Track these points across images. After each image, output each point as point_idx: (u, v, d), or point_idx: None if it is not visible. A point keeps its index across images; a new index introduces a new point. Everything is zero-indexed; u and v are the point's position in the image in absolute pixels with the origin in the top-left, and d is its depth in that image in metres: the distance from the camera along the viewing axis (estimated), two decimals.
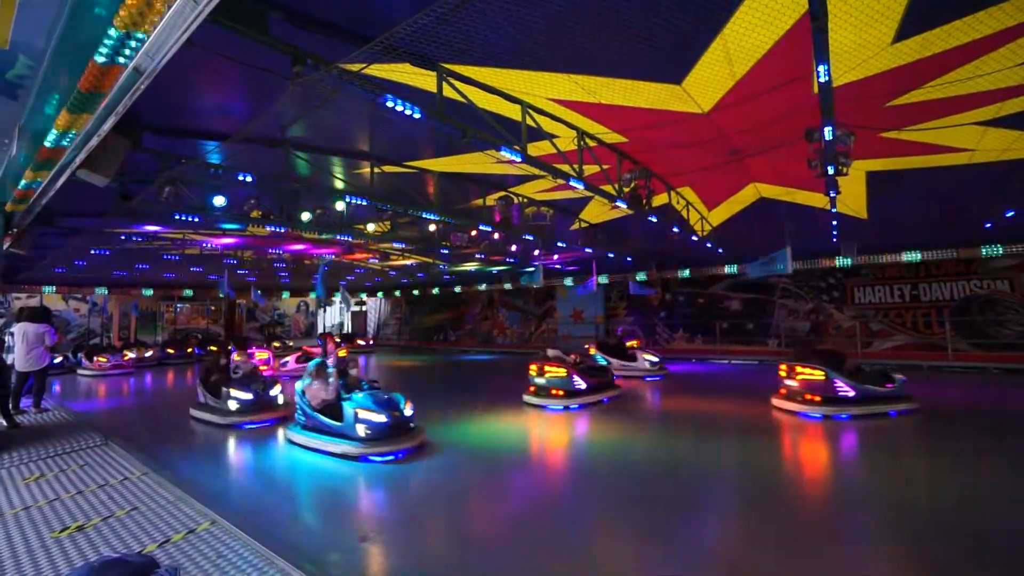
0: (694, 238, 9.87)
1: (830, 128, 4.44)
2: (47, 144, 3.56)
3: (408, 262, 15.62)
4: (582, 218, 10.50)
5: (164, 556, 3.00)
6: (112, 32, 2.23)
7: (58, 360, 14.28)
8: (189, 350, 18.14)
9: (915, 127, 5.44)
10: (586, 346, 12.45)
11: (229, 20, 2.85)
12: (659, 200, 8.15)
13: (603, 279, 18.08)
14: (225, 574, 2.78)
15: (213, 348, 19.10)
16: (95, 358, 14.08)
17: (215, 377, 7.76)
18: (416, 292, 25.33)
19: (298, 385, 6.14)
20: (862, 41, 3.86)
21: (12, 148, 3.98)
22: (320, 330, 27.71)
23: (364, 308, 29.62)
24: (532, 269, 14.52)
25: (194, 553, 3.03)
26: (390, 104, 3.99)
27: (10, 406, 6.55)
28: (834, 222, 8.76)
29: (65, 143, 3.55)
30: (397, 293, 26.95)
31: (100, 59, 2.46)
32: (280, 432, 6.73)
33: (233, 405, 7.23)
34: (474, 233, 10.29)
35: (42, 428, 6.47)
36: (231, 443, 6.52)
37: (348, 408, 5.39)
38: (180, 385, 12.64)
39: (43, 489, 4.25)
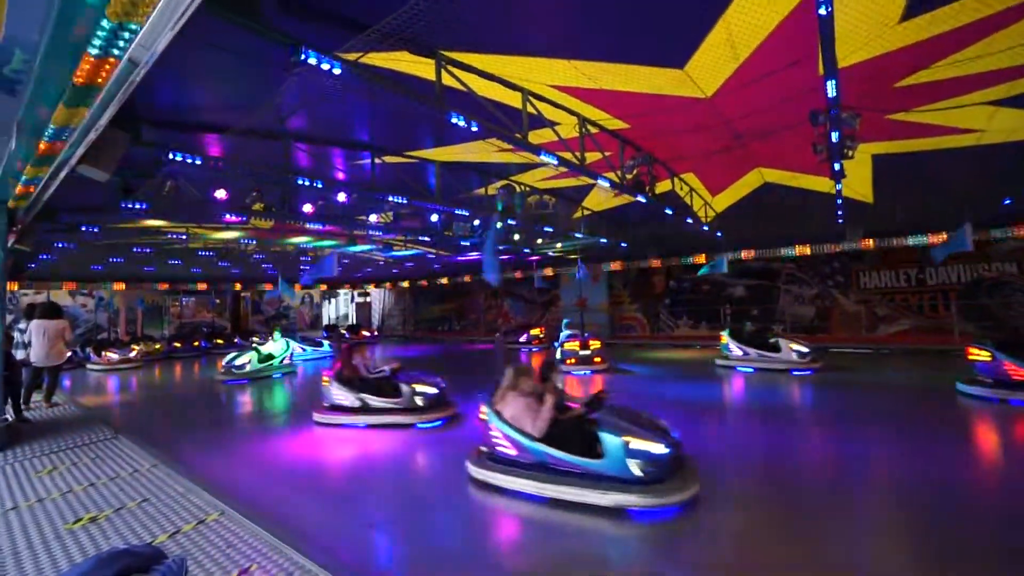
0: (689, 220, 9.80)
1: (833, 82, 4.18)
2: (45, 139, 3.54)
3: (411, 252, 15.62)
4: (585, 206, 10.44)
5: (175, 546, 3.05)
6: (105, 23, 2.20)
7: (67, 355, 14.44)
8: (196, 343, 18.28)
9: (923, 108, 5.35)
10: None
11: (224, 9, 2.81)
12: (662, 187, 8.09)
13: (603, 267, 18.05)
14: (235, 563, 2.82)
15: (219, 340, 19.27)
16: (103, 353, 14.22)
17: (347, 373, 6.89)
18: (422, 282, 25.33)
19: (487, 409, 4.35)
20: (868, 20, 3.78)
21: (11, 144, 3.97)
22: (325, 321, 27.90)
23: (368, 299, 29.71)
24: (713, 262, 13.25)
25: (204, 543, 3.07)
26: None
27: (21, 401, 6.63)
28: (839, 200, 8.66)
29: (64, 138, 3.54)
30: (405, 284, 26.98)
31: (94, 51, 2.44)
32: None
33: (420, 401, 6.50)
34: (476, 222, 10.26)
35: (54, 422, 6.55)
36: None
37: (611, 437, 3.71)
38: (190, 378, 12.76)
39: (56, 482, 4.32)
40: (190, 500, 3.80)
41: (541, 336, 17.32)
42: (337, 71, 3.53)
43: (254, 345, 12.28)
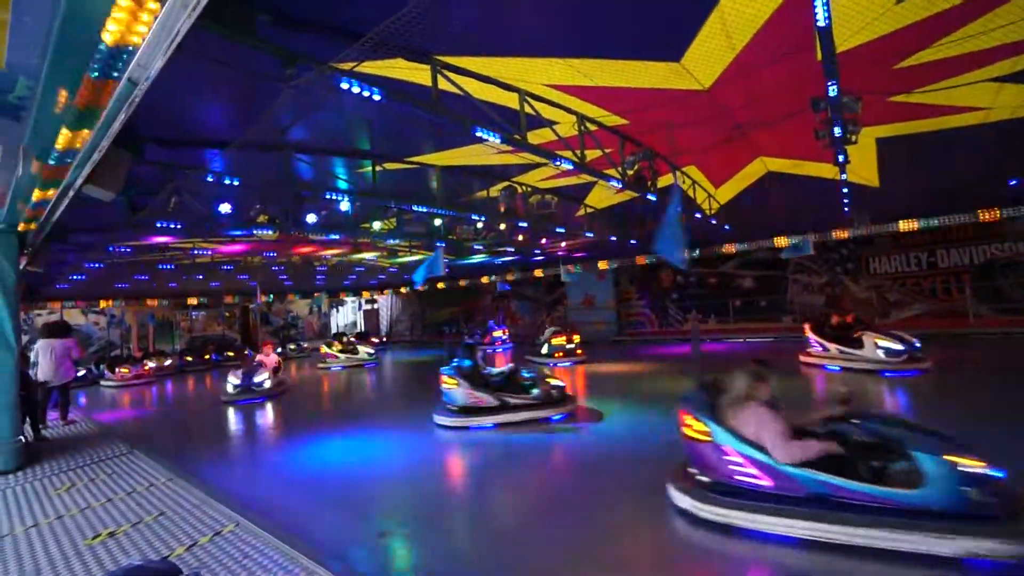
0: (698, 215, 9.73)
1: (834, 85, 4.30)
2: (51, 162, 3.59)
3: (415, 258, 15.66)
4: (588, 203, 10.42)
5: (192, 559, 3.08)
6: (103, 46, 2.23)
7: (81, 373, 14.67)
8: (207, 357, 18.45)
9: (925, 88, 5.28)
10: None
11: (217, 25, 2.84)
12: (664, 181, 8.05)
13: (605, 264, 17.99)
14: (251, 573, 2.84)
15: (230, 353, 19.46)
16: (117, 369, 14.40)
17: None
18: (432, 287, 25.37)
19: (712, 425, 3.37)
20: (866, 1, 3.73)
21: (19, 169, 4.04)
22: (334, 330, 28.06)
23: (376, 306, 29.83)
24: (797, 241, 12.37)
25: (221, 555, 3.10)
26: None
27: (38, 420, 6.74)
28: (845, 188, 8.56)
29: (68, 160, 3.59)
30: (406, 289, 27.04)
31: (94, 74, 2.47)
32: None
33: (555, 394, 6.72)
34: (480, 225, 10.27)
35: (71, 440, 6.64)
36: None
37: (927, 457, 2.81)
38: (203, 392, 12.87)
39: (75, 498, 4.38)
40: (205, 512, 3.84)
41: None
42: (346, 87, 3.56)
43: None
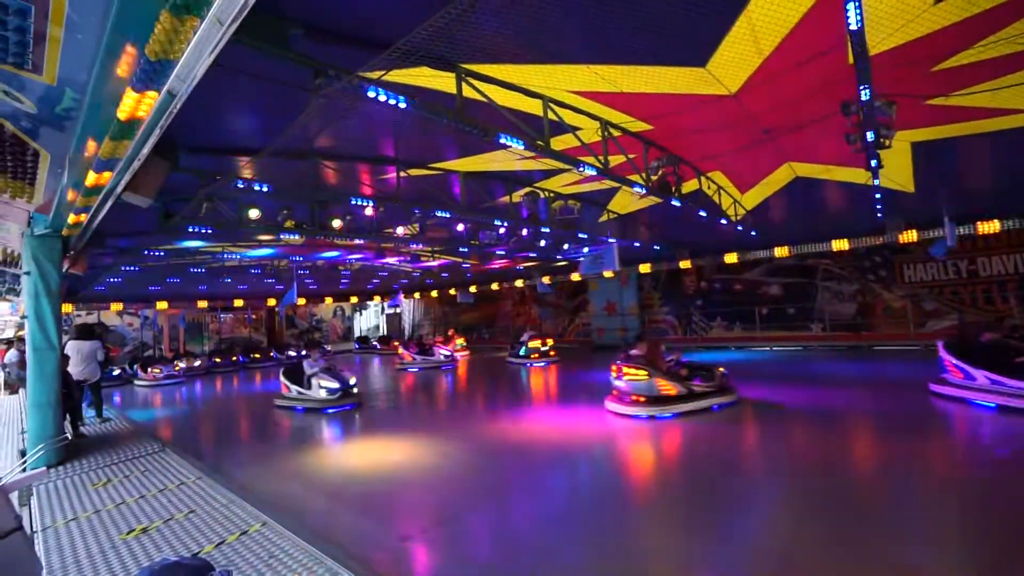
0: (724, 222, 9.56)
1: (867, 89, 4.17)
2: (94, 170, 3.76)
3: (438, 262, 15.81)
4: (610, 209, 10.35)
5: (220, 556, 3.15)
6: (144, 61, 2.33)
7: (116, 372, 15.28)
8: (234, 358, 18.96)
9: (965, 91, 5.08)
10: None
11: (252, 39, 2.93)
12: (689, 186, 7.94)
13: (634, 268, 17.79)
14: (277, 573, 2.89)
15: (256, 355, 19.94)
16: (149, 369, 14.91)
17: (661, 365, 7.22)
18: (464, 289, 25.53)
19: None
20: (901, 4, 3.63)
21: (64, 177, 4.24)
22: (357, 333, 28.51)
23: (399, 310, 30.17)
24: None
25: (248, 554, 3.16)
26: None
27: (77, 417, 7.03)
28: (878, 195, 8.29)
29: (110, 169, 3.75)
30: (434, 293, 27.28)
31: (136, 87, 2.58)
32: None
33: (723, 382, 7.26)
34: (502, 231, 10.31)
35: (107, 437, 6.90)
36: None
37: None
38: (230, 392, 13.21)
39: (110, 493, 4.54)
40: (233, 511, 3.92)
41: (544, 348, 16.52)
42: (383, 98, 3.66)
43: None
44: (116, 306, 18.45)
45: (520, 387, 11.19)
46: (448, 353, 15.88)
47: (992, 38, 4.10)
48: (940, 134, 6.27)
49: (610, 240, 9.97)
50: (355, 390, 9.30)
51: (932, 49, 4.27)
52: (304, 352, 10.21)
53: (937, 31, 3.98)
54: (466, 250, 11.49)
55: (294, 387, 9.25)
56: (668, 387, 6.77)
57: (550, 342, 14.66)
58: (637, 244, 11.80)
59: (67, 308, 15.67)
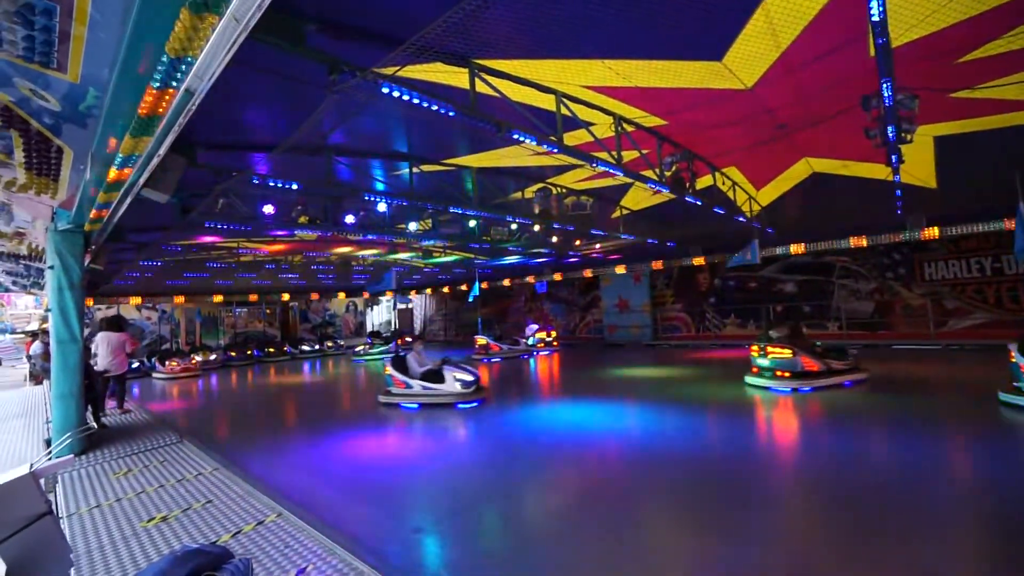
0: (741, 219, 9.44)
1: (888, 83, 4.09)
2: (115, 167, 3.84)
3: (450, 258, 15.87)
4: (623, 205, 10.28)
5: (237, 546, 3.21)
6: (164, 59, 2.37)
7: (135, 365, 15.63)
8: (249, 352, 19.26)
9: (991, 83, 4.94)
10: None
11: (270, 36, 2.96)
12: (703, 182, 7.85)
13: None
14: (292, 563, 2.94)
15: (271, 349, 20.28)
16: (167, 362, 15.22)
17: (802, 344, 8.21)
18: (480, 285, 25.60)
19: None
20: None
21: (86, 173, 4.33)
22: (369, 328, 28.76)
23: (410, 305, 30.36)
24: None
25: (264, 543, 3.23)
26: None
27: (99, 408, 7.21)
28: (898, 191, 8.12)
29: (130, 165, 3.82)
30: (446, 289, 27.40)
31: (155, 84, 2.63)
32: None
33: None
34: (514, 226, 10.31)
35: (127, 428, 7.06)
36: None
37: None
38: (245, 385, 13.44)
39: (131, 483, 4.65)
40: (249, 502, 4.00)
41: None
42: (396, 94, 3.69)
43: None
44: (135, 300, 18.85)
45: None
46: (538, 340, 16.79)
47: (1020, 28, 3.98)
48: (965, 128, 6.12)
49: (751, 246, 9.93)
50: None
51: (958, 40, 4.16)
52: (408, 345, 9.44)
53: (962, 21, 3.87)
54: (470, 244, 11.50)
55: (416, 382, 8.38)
56: (812, 364, 7.68)
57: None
58: (652, 241, 11.71)
59: (88, 302, 16.02)
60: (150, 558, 3.10)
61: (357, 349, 19.33)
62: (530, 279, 21.30)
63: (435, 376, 8.31)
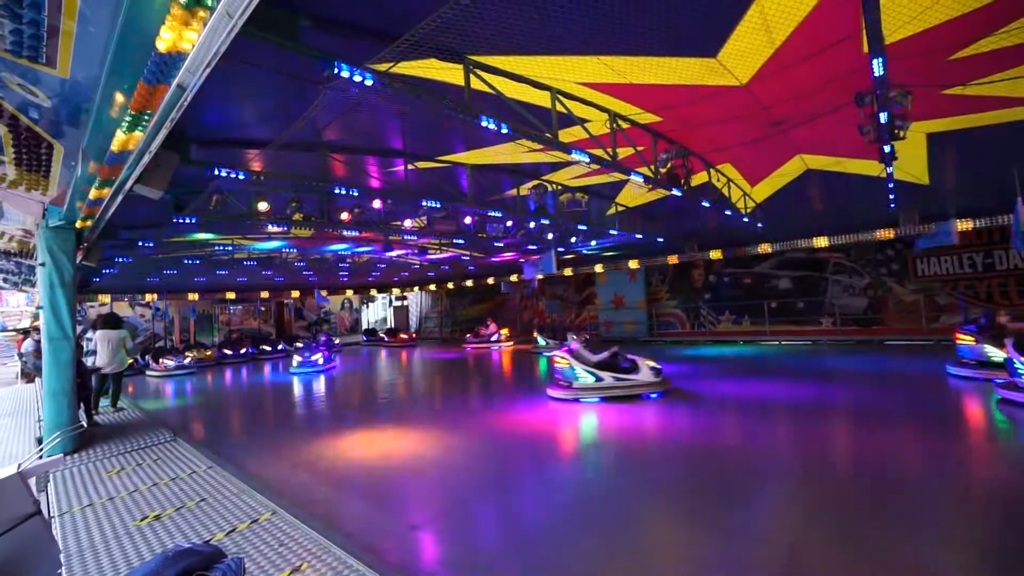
0: (728, 213, 9.46)
1: (880, 61, 4.02)
2: (107, 163, 3.80)
3: (446, 255, 15.82)
4: (619, 202, 10.29)
5: (231, 544, 3.21)
6: (155, 53, 2.34)
7: (129, 362, 15.52)
8: (243, 349, 19.17)
9: (984, 80, 4.97)
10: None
11: (261, 31, 2.93)
12: (698, 179, 7.86)
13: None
14: (287, 561, 2.94)
15: (266, 347, 20.20)
16: (161, 360, 15.12)
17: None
18: (465, 283, 25.61)
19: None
20: None
21: (78, 170, 4.29)
22: (364, 325, 28.68)
23: (405, 303, 30.30)
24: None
25: (258, 541, 3.22)
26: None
27: (91, 406, 7.15)
28: (891, 184, 8.16)
29: (122, 161, 3.79)
30: (442, 286, 27.36)
31: (147, 80, 2.60)
32: None
33: None
34: (510, 223, 10.29)
35: (120, 426, 7.02)
36: None
37: None
38: (239, 382, 13.38)
39: (124, 481, 4.63)
40: (244, 500, 3.99)
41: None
42: (369, 82, 3.61)
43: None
44: (150, 296, 18.77)
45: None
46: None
47: (1016, 24, 3.99)
48: (957, 125, 6.15)
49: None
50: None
51: (951, 37, 4.18)
52: (569, 336, 9.12)
53: (955, 18, 3.89)
54: (464, 241, 11.49)
55: (606, 374, 7.88)
56: (994, 353, 7.63)
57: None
58: (639, 236, 11.71)
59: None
60: (143, 557, 3.09)
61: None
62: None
63: (615, 367, 7.95)
